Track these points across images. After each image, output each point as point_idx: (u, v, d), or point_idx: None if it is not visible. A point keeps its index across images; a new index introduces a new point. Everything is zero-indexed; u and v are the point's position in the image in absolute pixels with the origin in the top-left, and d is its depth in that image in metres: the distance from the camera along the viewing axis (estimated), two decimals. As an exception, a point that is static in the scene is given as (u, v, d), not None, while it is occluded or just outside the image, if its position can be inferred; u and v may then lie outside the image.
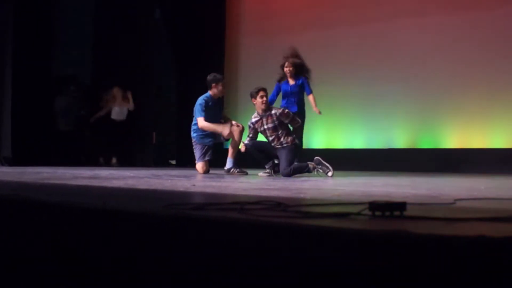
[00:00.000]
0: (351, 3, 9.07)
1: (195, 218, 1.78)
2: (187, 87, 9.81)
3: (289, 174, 5.68)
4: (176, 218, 1.81)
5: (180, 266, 1.69)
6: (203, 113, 6.36)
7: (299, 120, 6.19)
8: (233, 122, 6.45)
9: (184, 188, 3.65)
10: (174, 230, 1.76)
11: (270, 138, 5.99)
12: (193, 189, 3.59)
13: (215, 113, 6.50)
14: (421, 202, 2.47)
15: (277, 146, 5.94)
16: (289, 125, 6.11)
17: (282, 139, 5.92)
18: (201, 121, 6.36)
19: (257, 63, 9.80)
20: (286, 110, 6.07)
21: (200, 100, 6.43)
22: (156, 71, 10.55)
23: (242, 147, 6.23)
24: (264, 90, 6.03)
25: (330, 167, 5.75)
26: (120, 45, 9.73)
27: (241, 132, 6.37)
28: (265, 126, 5.97)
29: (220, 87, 6.45)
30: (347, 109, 8.98)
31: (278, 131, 5.94)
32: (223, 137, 6.43)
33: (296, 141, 6.01)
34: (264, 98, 5.96)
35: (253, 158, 6.21)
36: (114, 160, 9.40)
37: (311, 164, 5.78)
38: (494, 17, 7.84)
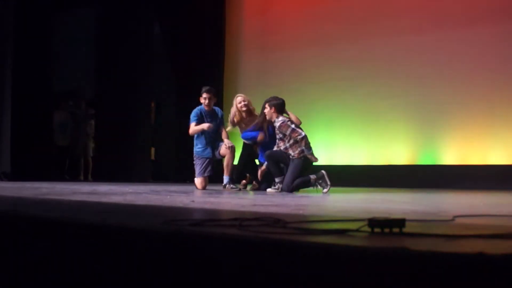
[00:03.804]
0: (350, 19, 9.12)
1: (194, 234, 1.77)
2: (186, 102, 9.81)
3: (290, 191, 5.67)
4: (175, 234, 1.81)
5: (179, 282, 1.68)
6: (193, 120, 6.47)
7: (300, 132, 5.84)
8: (225, 141, 6.46)
9: (183, 204, 3.64)
10: (173, 246, 1.76)
11: (282, 148, 5.91)
12: (192, 205, 3.58)
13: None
14: (420, 218, 2.47)
15: (290, 157, 5.87)
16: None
17: (290, 150, 5.86)
18: (191, 128, 6.47)
19: (256, 78, 9.84)
20: (285, 123, 5.85)
21: (195, 109, 6.59)
22: (155, 86, 10.57)
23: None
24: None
25: (328, 185, 5.72)
26: (119, 60, 9.76)
27: (233, 150, 6.41)
28: (277, 136, 5.96)
29: (202, 99, 6.50)
30: (346, 126, 8.99)
31: (285, 141, 5.87)
32: (219, 153, 6.49)
33: (305, 153, 5.83)
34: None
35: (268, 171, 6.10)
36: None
37: (313, 179, 5.75)
38: (493, 34, 7.88)
